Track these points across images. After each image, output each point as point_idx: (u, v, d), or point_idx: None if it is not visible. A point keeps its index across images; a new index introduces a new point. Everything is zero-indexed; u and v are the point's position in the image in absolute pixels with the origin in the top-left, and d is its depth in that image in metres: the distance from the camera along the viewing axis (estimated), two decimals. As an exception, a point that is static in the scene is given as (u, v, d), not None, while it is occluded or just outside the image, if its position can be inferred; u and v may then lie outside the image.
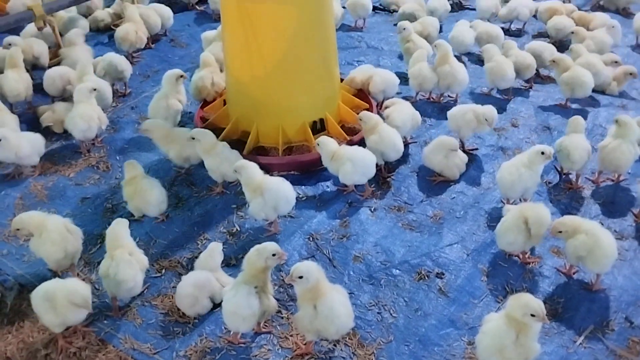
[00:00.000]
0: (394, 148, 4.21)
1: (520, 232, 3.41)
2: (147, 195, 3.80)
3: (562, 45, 6.06)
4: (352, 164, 3.95)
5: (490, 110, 4.41)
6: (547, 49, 5.48)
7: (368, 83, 4.89)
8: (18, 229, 3.39)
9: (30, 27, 5.66)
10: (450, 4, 7.07)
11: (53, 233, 3.34)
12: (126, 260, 3.17)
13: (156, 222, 3.89)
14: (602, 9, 7.06)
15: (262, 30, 4.08)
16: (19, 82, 4.89)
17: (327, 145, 4.02)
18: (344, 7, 6.55)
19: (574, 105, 5.12)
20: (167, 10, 6.17)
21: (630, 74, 5.17)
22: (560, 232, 3.37)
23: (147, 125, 4.25)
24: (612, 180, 4.26)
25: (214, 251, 3.35)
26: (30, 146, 4.26)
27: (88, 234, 3.81)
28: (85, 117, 4.43)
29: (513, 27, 6.55)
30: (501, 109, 5.09)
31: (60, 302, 2.96)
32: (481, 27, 5.94)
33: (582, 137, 4.14)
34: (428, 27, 5.88)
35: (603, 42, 5.61)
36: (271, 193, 3.63)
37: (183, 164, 4.24)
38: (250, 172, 3.69)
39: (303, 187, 4.21)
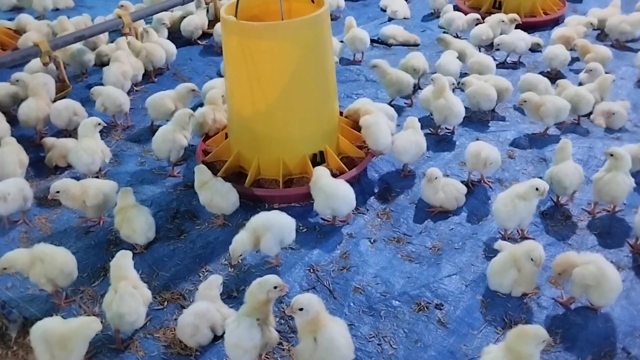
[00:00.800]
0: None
1: (511, 275, 3.50)
2: (134, 223, 3.90)
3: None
4: (326, 197, 4.05)
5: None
6: (542, 82, 5.59)
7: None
8: (5, 268, 3.45)
9: (35, 62, 5.78)
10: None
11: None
12: (130, 294, 3.22)
13: (134, 252, 3.89)
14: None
15: (263, 65, 4.19)
16: (31, 110, 5.09)
17: (316, 172, 4.18)
18: (342, 42, 6.68)
19: (570, 136, 5.20)
20: (172, 46, 6.31)
21: (614, 113, 5.27)
22: (560, 274, 3.46)
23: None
24: (608, 211, 4.32)
25: (212, 283, 3.41)
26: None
27: (91, 266, 3.87)
28: (89, 151, 4.54)
29: (509, 60, 6.67)
30: (497, 141, 5.19)
31: (56, 344, 3.01)
32: (475, 56, 6.07)
33: (570, 162, 4.27)
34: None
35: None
36: (276, 229, 3.71)
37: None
38: None
39: (303, 218, 4.27)
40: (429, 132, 5.32)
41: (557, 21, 7.59)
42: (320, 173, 4.18)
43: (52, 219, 4.36)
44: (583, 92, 5.32)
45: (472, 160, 4.51)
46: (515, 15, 6.88)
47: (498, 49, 6.48)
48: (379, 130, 4.61)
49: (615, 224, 4.22)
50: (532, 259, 3.46)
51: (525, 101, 5.12)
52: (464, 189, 4.39)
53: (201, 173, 4.17)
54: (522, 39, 6.53)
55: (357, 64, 6.70)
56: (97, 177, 4.72)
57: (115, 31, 6.55)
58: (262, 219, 3.77)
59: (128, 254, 3.44)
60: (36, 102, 5.11)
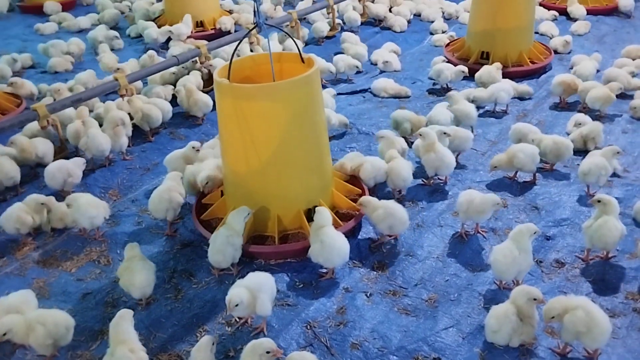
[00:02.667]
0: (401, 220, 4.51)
1: (509, 324, 3.50)
2: (134, 275, 3.96)
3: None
4: (322, 245, 4.11)
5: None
6: (532, 130, 5.69)
7: (358, 170, 5.07)
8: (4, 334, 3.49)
9: (33, 125, 5.88)
10: (438, 88, 7.43)
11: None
12: (126, 358, 3.23)
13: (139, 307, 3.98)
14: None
15: (256, 125, 4.29)
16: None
17: (321, 214, 4.26)
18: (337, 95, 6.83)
19: (561, 182, 5.28)
20: (167, 105, 6.44)
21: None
22: (553, 317, 3.48)
23: None
24: (601, 258, 4.36)
25: (203, 345, 3.39)
26: None
27: (89, 329, 3.88)
28: (93, 205, 4.69)
29: (498, 108, 6.80)
30: (489, 190, 5.26)
31: None
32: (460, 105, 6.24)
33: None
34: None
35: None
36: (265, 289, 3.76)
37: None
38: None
39: (299, 274, 4.31)
40: (422, 182, 5.39)
41: (544, 69, 7.77)
42: (323, 220, 4.24)
43: (50, 282, 4.39)
44: (561, 139, 5.43)
45: (463, 209, 4.57)
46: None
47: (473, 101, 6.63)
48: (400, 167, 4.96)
49: (610, 270, 4.25)
50: (534, 299, 3.50)
51: (495, 167, 5.28)
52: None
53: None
54: (503, 89, 6.66)
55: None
56: (94, 238, 4.79)
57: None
58: (255, 280, 3.79)
59: (128, 315, 3.46)
60: None
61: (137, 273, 3.97)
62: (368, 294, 4.13)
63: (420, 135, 5.27)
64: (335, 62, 7.75)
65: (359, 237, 4.70)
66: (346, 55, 7.96)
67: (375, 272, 4.36)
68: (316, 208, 4.36)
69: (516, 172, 5.38)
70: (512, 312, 3.52)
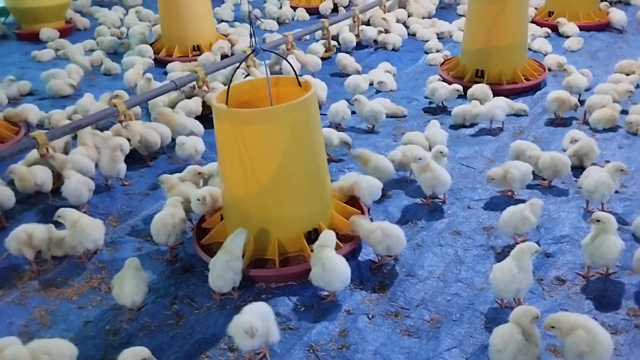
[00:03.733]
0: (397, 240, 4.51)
1: (514, 347, 3.47)
2: (125, 282, 4.09)
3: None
4: (322, 268, 4.12)
5: None
6: (530, 147, 5.73)
7: (354, 189, 5.09)
8: None
9: (33, 153, 5.90)
10: (434, 107, 7.49)
11: None
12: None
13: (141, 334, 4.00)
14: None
15: (254, 149, 4.32)
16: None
17: (327, 235, 4.31)
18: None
19: (560, 199, 5.30)
20: (165, 129, 6.46)
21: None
22: (553, 327, 3.47)
23: None
24: (602, 274, 4.37)
25: None
26: None
27: (91, 358, 3.86)
28: (94, 226, 4.77)
29: (494, 125, 6.85)
30: (488, 208, 5.29)
31: None
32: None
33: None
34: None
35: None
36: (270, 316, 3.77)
37: None
38: None
39: (300, 296, 4.31)
40: (421, 202, 5.41)
41: (538, 86, 7.83)
42: (327, 240, 4.27)
43: (51, 310, 4.38)
44: (559, 155, 5.48)
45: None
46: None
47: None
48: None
49: (610, 286, 4.26)
50: (535, 317, 3.50)
51: (493, 179, 5.29)
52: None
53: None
54: (498, 107, 6.71)
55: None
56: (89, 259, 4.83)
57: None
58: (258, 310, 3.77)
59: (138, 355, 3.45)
60: None
61: (127, 280, 4.09)
62: (370, 316, 4.13)
63: (418, 160, 5.26)
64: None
65: (360, 258, 4.71)
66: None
67: (376, 294, 4.36)
68: (323, 231, 4.37)
69: (511, 191, 5.40)
70: (517, 332, 3.51)
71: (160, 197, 5.69)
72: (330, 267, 4.12)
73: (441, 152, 5.50)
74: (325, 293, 4.32)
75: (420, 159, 5.24)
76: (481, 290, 4.31)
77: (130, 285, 4.08)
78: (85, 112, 6.95)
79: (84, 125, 6.13)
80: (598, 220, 4.21)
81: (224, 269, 4.19)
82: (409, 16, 11.06)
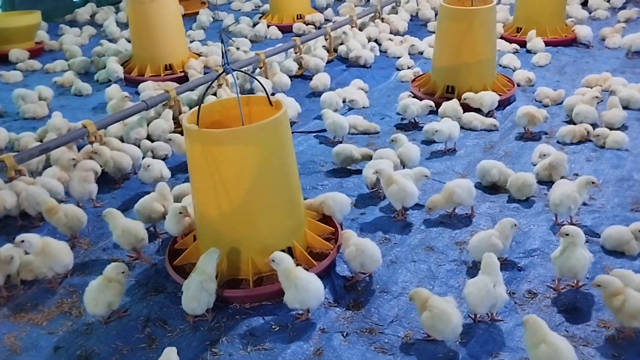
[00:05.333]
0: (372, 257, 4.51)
1: None
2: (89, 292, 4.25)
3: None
4: (296, 289, 4.09)
5: None
6: (495, 165, 5.83)
7: (322, 207, 5.12)
8: None
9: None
10: (407, 123, 7.55)
11: None
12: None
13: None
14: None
15: (226, 169, 4.31)
16: None
17: (283, 262, 4.18)
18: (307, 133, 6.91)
19: (531, 210, 5.38)
20: (137, 151, 6.43)
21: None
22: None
23: None
24: (572, 286, 4.43)
25: None
26: None
27: (61, 385, 3.80)
28: (63, 250, 4.71)
29: (448, 145, 6.91)
30: (460, 223, 5.34)
31: None
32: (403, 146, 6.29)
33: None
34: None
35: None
36: None
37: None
38: None
39: (275, 316, 4.29)
40: (393, 217, 5.43)
41: (508, 101, 7.96)
42: (286, 263, 4.20)
43: (21, 336, 4.29)
44: (524, 176, 5.61)
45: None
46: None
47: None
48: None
49: (581, 298, 4.32)
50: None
51: (430, 208, 5.34)
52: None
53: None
54: (454, 126, 6.80)
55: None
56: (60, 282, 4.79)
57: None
58: None
59: None
60: None
61: (91, 290, 4.22)
62: (344, 334, 4.13)
63: (377, 172, 5.32)
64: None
65: (334, 276, 4.71)
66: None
67: (350, 311, 4.36)
68: (273, 257, 4.24)
69: (454, 209, 5.45)
70: None
71: (132, 217, 5.62)
72: (304, 286, 4.11)
73: (425, 176, 5.61)
74: (300, 312, 4.31)
75: (376, 172, 5.37)
76: (454, 306, 4.33)
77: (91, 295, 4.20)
78: (56, 131, 6.88)
79: (53, 147, 6.07)
80: (567, 234, 4.28)
81: (198, 290, 4.16)
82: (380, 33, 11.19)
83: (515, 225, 4.66)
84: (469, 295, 4.04)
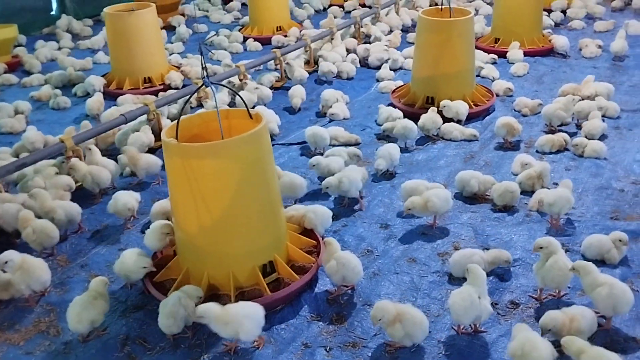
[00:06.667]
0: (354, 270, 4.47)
1: None
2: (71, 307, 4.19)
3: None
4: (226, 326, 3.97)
5: None
6: (475, 177, 5.86)
7: (304, 221, 5.09)
8: None
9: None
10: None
11: None
12: None
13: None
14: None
15: (206, 183, 4.27)
16: None
17: (210, 313, 3.98)
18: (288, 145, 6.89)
19: (512, 220, 5.40)
20: (114, 165, 6.35)
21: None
22: None
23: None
24: (554, 296, 4.44)
25: None
26: None
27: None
28: (40, 267, 4.64)
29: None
30: (442, 234, 5.34)
31: None
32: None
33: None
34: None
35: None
36: None
37: None
38: None
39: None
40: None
41: (487, 111, 8.01)
42: (210, 312, 3.99)
43: (-4, 356, 4.20)
44: (510, 185, 5.67)
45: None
46: None
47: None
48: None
49: (563, 307, 4.31)
50: None
51: (409, 209, 5.30)
52: None
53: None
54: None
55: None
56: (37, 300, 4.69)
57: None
58: None
59: None
60: None
61: (75, 306, 4.16)
62: (328, 348, 4.09)
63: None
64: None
65: (316, 290, 4.68)
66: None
67: (334, 325, 4.32)
68: (199, 313, 3.99)
69: (435, 220, 5.45)
70: None
71: (111, 234, 5.57)
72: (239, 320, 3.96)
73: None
74: (283, 326, 4.27)
75: (327, 187, 5.53)
76: (438, 317, 4.32)
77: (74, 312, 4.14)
78: (31, 145, 6.78)
79: (30, 163, 5.97)
80: (541, 247, 4.32)
81: (176, 306, 4.10)
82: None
83: (508, 262, 4.69)
84: (453, 306, 4.02)
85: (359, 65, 10.20)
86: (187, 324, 4.16)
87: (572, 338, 3.68)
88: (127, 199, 5.54)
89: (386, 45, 10.78)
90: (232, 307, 4.00)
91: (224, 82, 7.97)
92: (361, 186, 5.75)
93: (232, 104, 8.26)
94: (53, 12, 14.26)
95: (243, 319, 3.92)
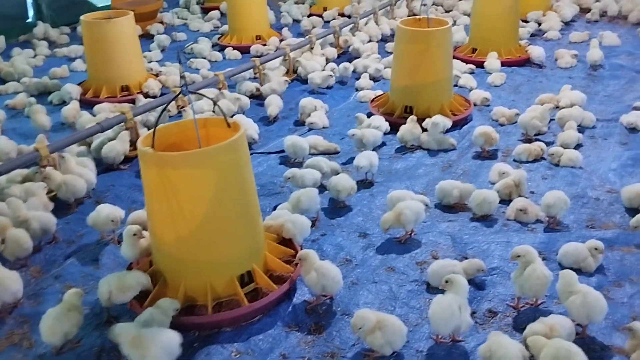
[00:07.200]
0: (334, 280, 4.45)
1: None
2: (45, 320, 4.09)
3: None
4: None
5: None
6: (457, 187, 5.90)
7: (282, 231, 5.07)
8: None
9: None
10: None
11: None
12: None
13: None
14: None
15: (183, 193, 4.23)
16: None
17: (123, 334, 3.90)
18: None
19: (488, 230, 5.42)
20: (92, 175, 6.27)
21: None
22: None
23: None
24: (531, 305, 4.47)
25: None
26: None
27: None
28: (11, 278, 4.56)
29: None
30: (420, 243, 5.34)
31: None
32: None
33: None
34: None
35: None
36: None
37: None
38: None
39: (235, 343, 4.20)
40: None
41: (465, 120, 8.07)
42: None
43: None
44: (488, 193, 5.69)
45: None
46: None
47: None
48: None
49: (540, 316, 4.32)
50: None
51: (387, 229, 5.26)
52: None
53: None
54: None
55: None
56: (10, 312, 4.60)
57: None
58: None
59: None
60: None
61: (48, 318, 4.07)
62: (306, 359, 4.06)
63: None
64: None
65: (295, 300, 4.65)
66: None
67: (312, 335, 4.29)
68: (114, 328, 3.96)
69: (411, 233, 5.44)
70: None
71: (86, 244, 5.49)
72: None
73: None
74: (261, 337, 4.23)
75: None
76: (416, 327, 4.32)
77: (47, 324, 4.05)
78: (6, 155, 6.67)
79: (4, 172, 5.87)
80: (518, 256, 4.34)
81: (148, 322, 4.04)
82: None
83: (482, 270, 4.70)
84: (433, 316, 4.02)
85: (337, 74, 10.20)
86: None
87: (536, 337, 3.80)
88: (109, 211, 5.42)
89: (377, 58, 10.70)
90: (147, 331, 3.89)
91: (201, 91, 7.92)
92: (319, 202, 5.68)
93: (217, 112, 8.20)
94: (29, 20, 14.10)
95: (151, 345, 3.78)
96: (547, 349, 3.66)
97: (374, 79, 9.85)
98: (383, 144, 7.37)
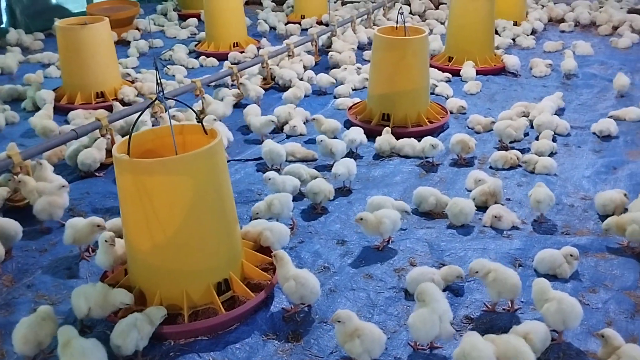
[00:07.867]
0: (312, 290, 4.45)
1: None
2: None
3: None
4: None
5: None
6: (433, 194, 5.94)
7: (260, 239, 5.05)
8: None
9: None
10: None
11: None
12: None
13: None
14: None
15: (159, 200, 4.18)
16: None
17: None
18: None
19: (466, 237, 5.45)
20: (64, 181, 6.15)
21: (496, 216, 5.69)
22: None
23: None
24: (508, 310, 4.50)
25: None
26: None
27: None
28: None
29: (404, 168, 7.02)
30: (398, 249, 5.35)
31: None
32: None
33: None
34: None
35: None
36: None
37: None
38: None
39: (211, 352, 4.15)
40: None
41: (441, 128, 8.12)
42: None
43: None
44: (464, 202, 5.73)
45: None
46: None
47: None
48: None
49: (516, 322, 4.35)
50: None
51: (361, 219, 5.21)
52: None
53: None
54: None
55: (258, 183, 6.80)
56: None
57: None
58: None
59: None
60: None
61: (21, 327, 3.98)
62: (284, 367, 4.03)
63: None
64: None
65: (272, 307, 4.61)
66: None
67: (290, 343, 4.27)
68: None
69: (389, 240, 5.44)
70: None
71: (59, 252, 5.39)
72: None
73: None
74: (238, 346, 4.19)
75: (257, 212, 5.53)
76: (394, 334, 4.31)
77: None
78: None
79: (-24, 179, 5.75)
80: (476, 272, 4.44)
81: (129, 326, 3.98)
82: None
83: (460, 277, 4.71)
84: (413, 326, 4.02)
85: (315, 82, 10.21)
86: (137, 349, 4.02)
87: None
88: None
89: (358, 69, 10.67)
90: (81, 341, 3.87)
91: (178, 98, 7.86)
92: (292, 207, 5.65)
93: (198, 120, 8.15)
94: (3, 25, 13.88)
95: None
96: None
97: (355, 88, 9.89)
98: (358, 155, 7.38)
